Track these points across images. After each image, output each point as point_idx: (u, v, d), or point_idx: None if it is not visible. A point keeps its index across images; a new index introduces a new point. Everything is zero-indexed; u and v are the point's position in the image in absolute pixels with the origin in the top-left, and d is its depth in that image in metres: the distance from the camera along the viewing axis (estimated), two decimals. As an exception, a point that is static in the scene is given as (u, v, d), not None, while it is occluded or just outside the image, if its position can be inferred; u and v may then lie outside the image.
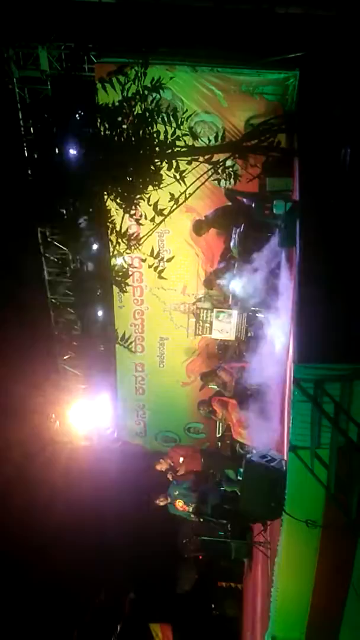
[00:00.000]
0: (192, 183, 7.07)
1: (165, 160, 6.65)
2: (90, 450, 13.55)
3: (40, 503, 12.37)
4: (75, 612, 12.83)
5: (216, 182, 8.46)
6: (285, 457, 6.27)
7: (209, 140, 8.74)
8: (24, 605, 12.30)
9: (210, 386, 11.11)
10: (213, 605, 13.55)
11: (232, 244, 9.77)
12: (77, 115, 6.83)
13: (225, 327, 10.41)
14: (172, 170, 6.64)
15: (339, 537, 5.98)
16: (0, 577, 12.22)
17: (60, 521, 12.52)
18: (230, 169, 7.33)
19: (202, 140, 9.25)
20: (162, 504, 9.37)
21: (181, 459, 9.66)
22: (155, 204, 6.64)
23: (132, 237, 6.90)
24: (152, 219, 6.77)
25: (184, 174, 6.72)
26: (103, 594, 13.28)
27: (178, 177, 6.68)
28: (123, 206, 6.76)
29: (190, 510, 9.27)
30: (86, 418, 13.44)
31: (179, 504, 9.28)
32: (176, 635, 12.71)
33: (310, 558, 6.19)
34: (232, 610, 12.99)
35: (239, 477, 9.31)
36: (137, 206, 6.81)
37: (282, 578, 6.47)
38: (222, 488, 10.93)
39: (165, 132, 6.67)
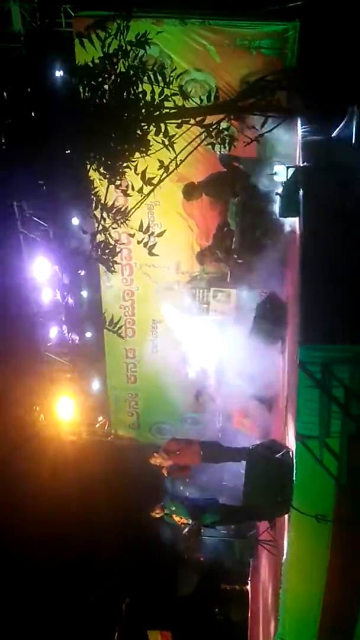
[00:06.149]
0: (183, 149, 7.01)
1: (153, 124, 6.59)
2: (78, 446, 13.60)
3: (24, 502, 12.42)
4: (63, 617, 12.95)
5: (210, 147, 8.40)
6: (291, 448, 6.30)
7: (201, 101, 8.68)
8: (9, 608, 12.41)
9: (210, 373, 11.14)
10: (216, 610, 13.69)
11: (228, 215, 9.74)
12: (53, 76, 6.77)
13: (224, 307, 10.40)
14: (161, 134, 6.57)
15: (351, 532, 6.02)
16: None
17: (45, 522, 12.58)
18: (225, 132, 7.27)
19: (193, 100, 9.14)
20: (158, 516, 9.48)
21: (178, 453, 9.69)
22: (143, 173, 6.58)
23: (119, 211, 6.86)
24: (140, 190, 6.71)
25: (173, 139, 6.65)
26: (94, 595, 13.40)
27: (167, 142, 6.61)
28: (107, 176, 6.70)
29: (190, 522, 9.36)
30: (73, 410, 13.47)
31: (177, 518, 9.39)
32: (177, 642, 12.86)
33: (321, 555, 6.24)
34: (237, 615, 13.12)
35: (242, 471, 9.37)
36: (123, 176, 6.76)
37: (290, 578, 6.53)
38: (223, 483, 11.03)
39: (152, 92, 6.60)
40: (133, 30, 6.64)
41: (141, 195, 6.80)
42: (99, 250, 6.88)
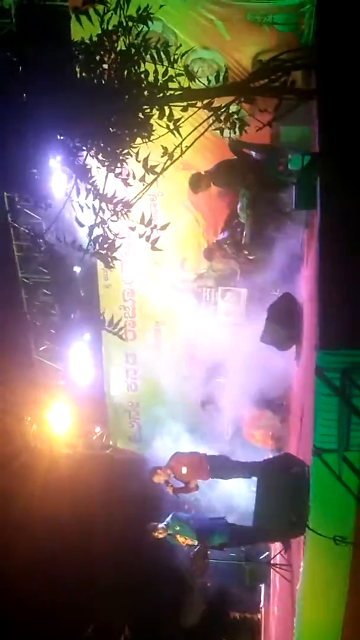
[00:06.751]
0: (189, 134, 7.03)
1: (156, 107, 6.62)
2: (73, 460, 13.61)
3: (13, 522, 12.42)
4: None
5: (218, 132, 8.43)
6: (307, 463, 6.30)
7: (209, 81, 8.68)
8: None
9: (218, 380, 11.15)
10: (225, 641, 13.71)
11: (239, 207, 9.76)
12: (47, 54, 6.78)
13: (234, 308, 10.41)
14: (165, 118, 6.60)
15: (373, 555, 6.03)
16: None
17: (37, 543, 12.59)
18: (235, 116, 7.29)
19: (200, 81, 9.18)
20: (160, 536, 9.49)
21: (184, 469, 9.70)
22: (145, 160, 6.61)
23: (119, 202, 6.88)
24: (142, 179, 6.74)
25: (179, 123, 6.68)
26: (91, 628, 13.40)
27: (172, 126, 6.64)
28: (106, 164, 6.73)
29: (196, 543, 9.36)
30: (68, 420, 13.48)
31: (181, 539, 9.40)
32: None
33: (340, 581, 6.24)
34: (248, 646, 13.15)
35: (253, 488, 9.38)
36: (124, 163, 6.79)
37: (306, 606, 6.52)
38: (233, 501, 11.01)
39: (156, 72, 6.62)
40: (134, 3, 6.66)
41: (143, 185, 6.82)
42: (97, 244, 6.90)
